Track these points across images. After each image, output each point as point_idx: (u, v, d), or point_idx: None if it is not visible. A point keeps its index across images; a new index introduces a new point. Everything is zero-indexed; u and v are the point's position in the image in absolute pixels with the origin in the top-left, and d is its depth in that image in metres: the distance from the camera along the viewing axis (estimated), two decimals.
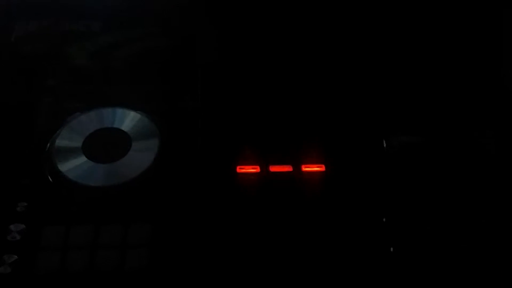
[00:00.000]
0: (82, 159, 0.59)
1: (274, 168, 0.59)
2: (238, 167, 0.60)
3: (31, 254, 0.55)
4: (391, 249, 0.55)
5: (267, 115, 0.63)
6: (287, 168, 0.59)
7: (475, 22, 0.68)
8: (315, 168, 0.59)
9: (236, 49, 0.68)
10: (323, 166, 0.60)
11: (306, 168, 0.59)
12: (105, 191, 0.58)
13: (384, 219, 0.57)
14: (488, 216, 0.57)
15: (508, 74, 0.65)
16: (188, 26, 0.70)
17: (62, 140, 0.61)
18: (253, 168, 0.60)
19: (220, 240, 0.56)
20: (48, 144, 0.61)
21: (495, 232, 0.56)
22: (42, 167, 0.60)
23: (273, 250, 0.55)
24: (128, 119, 0.62)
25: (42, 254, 0.55)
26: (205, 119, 0.63)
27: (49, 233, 0.56)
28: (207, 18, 0.70)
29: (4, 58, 0.69)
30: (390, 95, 0.64)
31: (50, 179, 0.59)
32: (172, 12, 0.71)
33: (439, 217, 0.56)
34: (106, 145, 0.60)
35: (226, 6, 0.70)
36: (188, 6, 0.70)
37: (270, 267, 0.55)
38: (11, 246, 0.55)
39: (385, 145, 0.60)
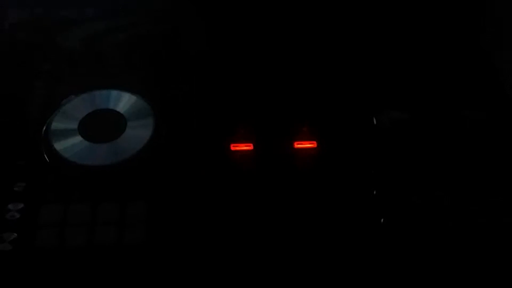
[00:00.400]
0: (78, 138, 0.60)
1: (267, 145, 0.60)
2: (232, 145, 0.60)
3: (30, 231, 0.55)
4: (382, 220, 0.56)
5: (260, 94, 0.64)
6: (280, 145, 0.60)
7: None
8: (307, 145, 0.60)
9: (226, 32, 0.69)
10: (315, 142, 0.61)
11: (298, 145, 0.60)
12: (102, 170, 0.58)
13: (374, 192, 0.58)
14: (475, 189, 0.58)
15: (499, 56, 0.67)
16: (177, 12, 0.71)
17: (58, 122, 0.61)
18: (246, 146, 0.60)
19: (214, 216, 0.57)
20: (45, 126, 0.61)
21: (481, 205, 0.57)
22: (39, 148, 0.60)
23: (267, 227, 0.56)
24: (123, 101, 0.62)
25: (41, 232, 0.55)
26: (199, 99, 0.64)
27: (47, 211, 0.56)
28: (194, 5, 0.71)
29: None
30: (379, 73, 0.65)
31: (47, 160, 0.59)
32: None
33: (427, 189, 0.58)
34: (102, 126, 0.61)
35: None
36: None
37: (264, 243, 0.55)
38: (10, 224, 0.56)
39: (375, 121, 0.61)
